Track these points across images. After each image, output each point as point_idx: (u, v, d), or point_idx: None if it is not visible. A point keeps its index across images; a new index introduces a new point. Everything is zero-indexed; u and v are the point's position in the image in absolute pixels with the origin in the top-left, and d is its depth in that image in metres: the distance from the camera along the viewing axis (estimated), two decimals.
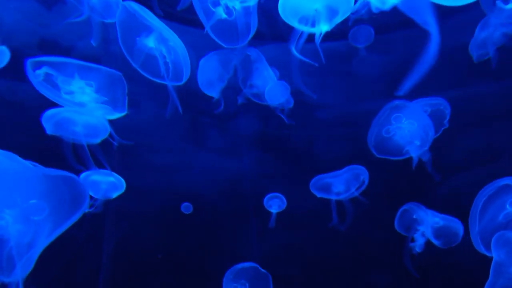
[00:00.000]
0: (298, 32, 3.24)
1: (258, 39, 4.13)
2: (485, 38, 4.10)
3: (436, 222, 4.29)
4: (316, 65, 3.44)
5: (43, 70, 3.09)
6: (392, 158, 4.01)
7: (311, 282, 4.76)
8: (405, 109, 3.76)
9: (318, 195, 4.35)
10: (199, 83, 4.26)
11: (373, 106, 3.85)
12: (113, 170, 3.68)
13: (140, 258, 4.25)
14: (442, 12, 4.38)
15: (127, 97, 3.31)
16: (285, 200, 4.61)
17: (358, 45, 4.42)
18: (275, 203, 4.64)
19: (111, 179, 3.75)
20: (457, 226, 4.26)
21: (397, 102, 3.67)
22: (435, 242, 4.27)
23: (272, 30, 4.61)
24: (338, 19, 3.15)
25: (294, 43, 3.26)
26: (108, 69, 3.32)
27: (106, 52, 3.98)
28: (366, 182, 4.22)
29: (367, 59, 4.58)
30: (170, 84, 3.38)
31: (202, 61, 4.23)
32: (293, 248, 4.78)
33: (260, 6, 3.82)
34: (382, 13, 3.91)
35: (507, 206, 2.14)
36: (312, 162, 4.67)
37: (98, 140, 3.51)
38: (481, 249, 2.17)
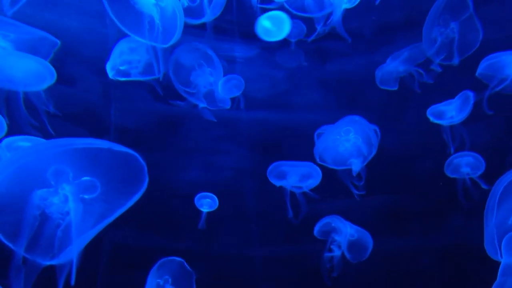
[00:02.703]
0: None
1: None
2: (394, 67, 4.52)
3: (351, 235, 4.57)
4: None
5: None
6: (329, 167, 4.22)
7: (310, 282, 4.76)
8: (357, 125, 4.00)
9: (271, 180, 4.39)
10: (108, 68, 3.77)
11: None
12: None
13: (138, 261, 3.95)
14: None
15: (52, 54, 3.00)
16: (216, 201, 4.57)
17: (290, 39, 4.60)
18: (206, 203, 4.60)
19: None
20: (369, 241, 4.57)
21: (356, 117, 3.89)
22: (347, 255, 4.54)
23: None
24: None
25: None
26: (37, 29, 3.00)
27: None
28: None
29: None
30: (155, 45, 3.09)
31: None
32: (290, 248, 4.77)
33: None
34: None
35: None
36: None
37: (42, 87, 3.06)
38: (494, 245, 2.20)
